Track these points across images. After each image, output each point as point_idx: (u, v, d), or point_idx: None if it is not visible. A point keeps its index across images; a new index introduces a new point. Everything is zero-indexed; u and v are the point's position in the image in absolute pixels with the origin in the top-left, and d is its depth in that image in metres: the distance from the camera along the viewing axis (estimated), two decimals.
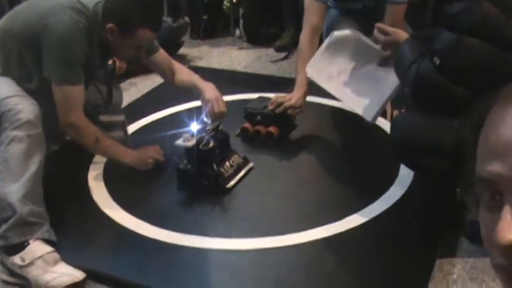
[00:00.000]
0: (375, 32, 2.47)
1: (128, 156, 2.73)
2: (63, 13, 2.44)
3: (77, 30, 2.44)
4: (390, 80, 2.49)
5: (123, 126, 2.91)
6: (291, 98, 2.99)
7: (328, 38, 2.87)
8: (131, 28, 2.49)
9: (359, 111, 2.69)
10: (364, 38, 2.80)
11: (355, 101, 2.75)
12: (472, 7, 1.92)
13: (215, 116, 2.76)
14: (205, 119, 2.71)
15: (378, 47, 2.69)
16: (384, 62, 2.71)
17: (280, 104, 2.98)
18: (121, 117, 2.90)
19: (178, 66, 2.99)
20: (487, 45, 1.92)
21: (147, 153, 2.76)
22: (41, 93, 2.47)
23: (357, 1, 3.18)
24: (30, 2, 2.68)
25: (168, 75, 2.97)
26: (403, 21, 3.09)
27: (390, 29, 2.42)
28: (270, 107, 3.01)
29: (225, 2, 5.26)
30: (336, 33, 2.85)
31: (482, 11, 1.90)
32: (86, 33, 2.48)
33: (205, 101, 2.79)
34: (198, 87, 2.87)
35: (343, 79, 2.83)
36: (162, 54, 2.92)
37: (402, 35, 2.36)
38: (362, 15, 3.28)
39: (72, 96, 2.52)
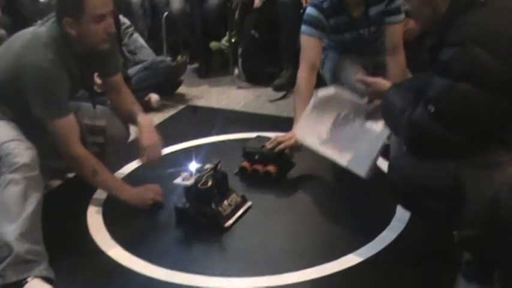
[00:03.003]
0: (356, 85, 2.51)
1: (126, 193, 2.74)
2: (33, 53, 2.49)
3: (50, 64, 2.48)
4: (379, 133, 2.51)
5: (104, 132, 2.91)
6: (291, 137, 3.02)
7: (313, 98, 2.92)
8: (78, 4, 2.49)
9: (352, 168, 2.72)
10: (348, 94, 2.84)
11: (347, 158, 2.79)
12: (464, 54, 1.93)
13: (150, 164, 2.81)
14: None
15: (362, 101, 2.72)
16: (370, 116, 2.76)
17: (279, 143, 3.01)
18: (102, 122, 2.90)
19: (125, 91, 2.96)
20: (480, 90, 1.92)
21: (147, 193, 2.77)
22: (38, 128, 2.53)
23: (351, 31, 3.23)
24: (7, 43, 2.73)
25: (115, 98, 2.95)
26: (402, 41, 3.17)
27: (370, 80, 2.47)
28: (269, 146, 3.03)
29: (223, 41, 5.32)
30: (320, 93, 2.90)
31: (474, 57, 1.91)
32: (58, 60, 2.51)
33: (141, 147, 2.79)
34: (137, 124, 2.86)
35: (332, 138, 2.86)
36: (118, 78, 2.92)
37: (383, 83, 2.39)
38: (358, 48, 3.33)
39: (65, 128, 2.57)
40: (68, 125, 2.58)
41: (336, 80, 3.31)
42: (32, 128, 2.54)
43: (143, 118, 2.87)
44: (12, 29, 4.11)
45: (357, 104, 2.79)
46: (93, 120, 2.88)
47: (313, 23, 3.12)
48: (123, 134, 3.06)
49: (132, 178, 3.06)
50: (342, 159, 2.81)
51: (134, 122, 2.89)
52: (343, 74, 3.24)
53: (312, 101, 2.93)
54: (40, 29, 2.58)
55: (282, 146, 3.01)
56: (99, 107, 2.98)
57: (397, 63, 3.17)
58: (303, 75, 3.13)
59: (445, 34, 2.00)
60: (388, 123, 2.36)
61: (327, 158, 2.87)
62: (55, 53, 2.50)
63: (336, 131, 2.89)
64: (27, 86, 2.50)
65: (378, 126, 2.67)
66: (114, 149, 3.00)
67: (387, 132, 2.49)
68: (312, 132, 2.93)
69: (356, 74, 3.09)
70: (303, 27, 3.16)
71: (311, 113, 2.92)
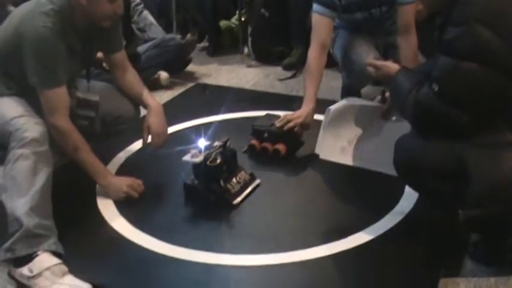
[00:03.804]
0: (368, 68, 2.51)
1: (104, 178, 2.70)
2: (32, 20, 2.45)
3: (48, 31, 2.43)
4: (401, 128, 2.49)
5: (96, 108, 2.86)
6: (300, 115, 3.02)
7: (326, 114, 2.92)
8: None
9: (385, 170, 2.67)
10: (360, 101, 2.82)
11: (377, 162, 2.78)
12: (468, 33, 1.94)
13: (154, 148, 2.83)
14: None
15: (375, 103, 2.71)
16: (387, 115, 2.75)
17: (288, 121, 3.01)
18: (95, 97, 2.86)
19: (131, 70, 2.93)
20: (484, 69, 1.93)
21: (122, 186, 2.71)
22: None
23: (363, 11, 3.22)
24: (10, 16, 2.69)
25: (121, 77, 2.92)
26: (414, 22, 3.15)
27: (379, 63, 2.47)
28: (278, 124, 3.04)
29: (233, 20, 5.31)
30: (332, 108, 2.89)
31: (478, 36, 1.91)
32: (59, 31, 2.46)
33: (150, 132, 2.80)
34: (147, 107, 2.86)
35: (356, 147, 2.85)
36: (122, 56, 2.89)
37: (393, 67, 2.38)
38: (370, 27, 3.31)
39: (53, 99, 2.52)
40: (58, 96, 2.52)
41: (347, 58, 3.29)
42: (38, 103, 2.53)
43: (153, 102, 2.86)
44: None
45: (371, 107, 2.77)
46: (86, 94, 2.85)
47: (325, 2, 3.09)
48: (131, 112, 3.02)
49: (140, 155, 3.07)
50: (375, 165, 2.81)
51: (142, 104, 2.89)
52: (354, 53, 3.23)
53: (325, 118, 2.93)
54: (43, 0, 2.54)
55: (291, 124, 3.01)
56: (103, 84, 2.98)
57: (408, 44, 3.15)
58: (314, 54, 3.11)
59: (450, 14, 2.00)
60: (396, 105, 2.37)
61: (360, 168, 2.88)
62: (56, 23, 2.46)
63: (358, 140, 2.89)
64: (24, 53, 2.46)
65: (399, 123, 2.65)
66: (124, 128, 3.02)
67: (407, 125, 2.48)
68: (334, 148, 2.93)
69: (367, 53, 3.08)
70: (315, 6, 3.14)
71: (328, 129, 2.92)
